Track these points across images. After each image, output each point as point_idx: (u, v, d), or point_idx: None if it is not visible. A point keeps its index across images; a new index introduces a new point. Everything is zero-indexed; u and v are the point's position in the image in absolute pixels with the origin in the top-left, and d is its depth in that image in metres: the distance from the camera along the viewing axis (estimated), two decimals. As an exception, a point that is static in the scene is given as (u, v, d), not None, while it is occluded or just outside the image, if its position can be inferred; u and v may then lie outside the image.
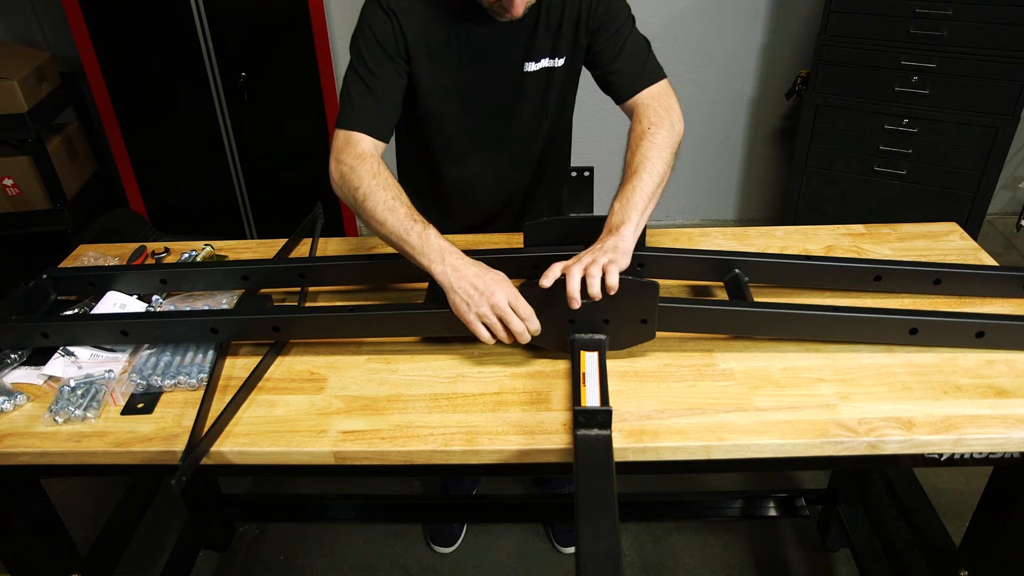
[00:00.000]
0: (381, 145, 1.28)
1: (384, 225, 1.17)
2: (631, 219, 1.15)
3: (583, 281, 1.05)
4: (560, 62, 1.38)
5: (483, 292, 1.09)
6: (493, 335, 1.11)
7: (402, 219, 1.16)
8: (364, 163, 1.22)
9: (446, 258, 1.12)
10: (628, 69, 1.36)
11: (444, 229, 1.20)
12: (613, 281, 1.05)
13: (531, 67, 1.36)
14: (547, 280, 1.08)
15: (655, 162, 1.22)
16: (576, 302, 1.06)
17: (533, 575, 1.91)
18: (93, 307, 1.30)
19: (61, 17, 2.71)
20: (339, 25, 3.04)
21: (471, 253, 1.29)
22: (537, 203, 1.62)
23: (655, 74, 1.37)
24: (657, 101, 1.34)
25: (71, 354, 1.19)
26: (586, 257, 1.09)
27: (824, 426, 1.00)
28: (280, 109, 2.91)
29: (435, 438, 1.02)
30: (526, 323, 1.09)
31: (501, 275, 1.12)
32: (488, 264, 1.25)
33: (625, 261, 1.11)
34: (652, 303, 1.08)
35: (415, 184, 1.57)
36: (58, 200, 2.86)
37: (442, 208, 1.57)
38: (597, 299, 1.06)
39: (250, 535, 2.06)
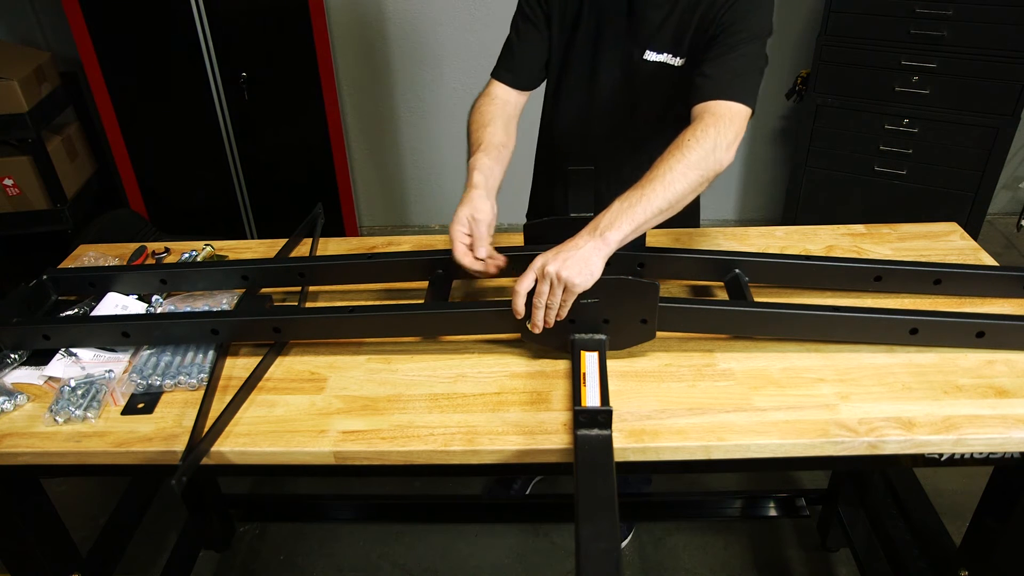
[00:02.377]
0: (512, 91, 1.40)
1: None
2: (621, 227, 1.07)
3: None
4: (679, 62, 1.34)
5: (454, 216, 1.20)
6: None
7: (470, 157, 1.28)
8: (479, 104, 1.38)
9: (469, 179, 1.24)
10: (715, 75, 1.22)
11: None
12: (562, 313, 1.08)
13: (651, 56, 1.35)
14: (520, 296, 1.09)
15: (677, 178, 1.10)
16: (519, 314, 1.09)
17: (533, 575, 1.92)
18: (93, 307, 1.30)
19: (61, 17, 2.71)
20: (339, 25, 3.04)
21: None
22: None
23: (738, 95, 1.20)
24: (718, 119, 1.17)
25: (73, 354, 1.19)
26: (548, 267, 1.04)
27: (824, 426, 1.00)
28: (280, 109, 2.91)
29: (435, 438, 1.02)
30: (474, 251, 1.18)
31: (470, 210, 1.19)
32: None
33: (588, 274, 1.04)
34: (652, 303, 1.08)
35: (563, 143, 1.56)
36: (58, 200, 2.86)
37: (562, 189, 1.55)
38: (537, 331, 1.11)
39: (250, 535, 2.05)
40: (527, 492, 2.14)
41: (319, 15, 2.72)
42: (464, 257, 1.18)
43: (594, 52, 1.39)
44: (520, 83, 1.40)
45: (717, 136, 1.14)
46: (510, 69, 1.40)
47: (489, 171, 1.24)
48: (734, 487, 2.05)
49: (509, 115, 1.38)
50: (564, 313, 1.08)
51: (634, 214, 1.08)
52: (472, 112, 1.37)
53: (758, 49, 1.25)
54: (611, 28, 1.36)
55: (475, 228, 1.18)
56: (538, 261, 1.06)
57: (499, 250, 1.28)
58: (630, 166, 1.41)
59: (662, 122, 1.41)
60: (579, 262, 1.04)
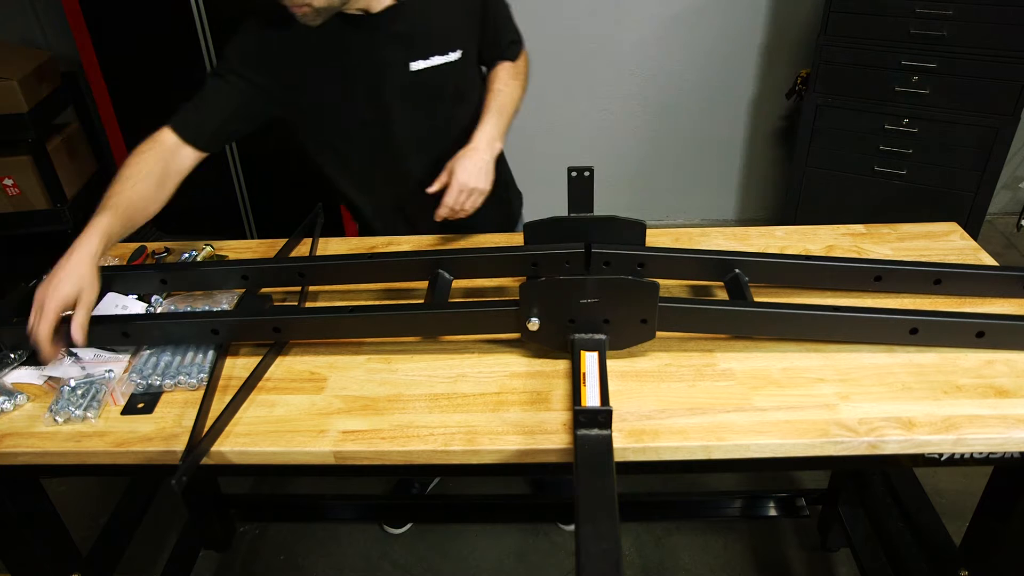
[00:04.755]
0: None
1: None
2: (500, 135, 1.43)
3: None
4: (455, 55, 1.45)
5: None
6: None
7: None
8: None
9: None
10: (509, 38, 1.55)
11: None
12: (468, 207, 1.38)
13: (419, 65, 1.41)
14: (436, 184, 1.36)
15: (511, 86, 1.51)
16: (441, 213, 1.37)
17: (533, 575, 1.91)
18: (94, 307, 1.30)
19: (61, 17, 2.71)
20: (339, 25, 3.04)
21: (470, 252, 1.30)
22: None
23: (521, 44, 1.58)
24: (519, 64, 1.58)
25: (74, 354, 1.19)
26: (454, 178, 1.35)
27: (824, 426, 1.00)
28: (280, 109, 2.91)
29: (435, 438, 1.02)
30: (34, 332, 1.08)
31: (64, 277, 1.10)
32: (487, 263, 1.29)
33: (479, 160, 1.37)
34: (652, 303, 1.08)
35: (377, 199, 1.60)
36: (58, 200, 2.86)
37: (404, 217, 1.60)
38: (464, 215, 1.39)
39: (250, 535, 2.06)
40: (426, 492, 2.15)
41: (319, 15, 2.71)
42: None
43: (364, 89, 1.41)
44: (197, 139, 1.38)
45: (523, 70, 1.58)
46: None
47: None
48: (734, 487, 2.05)
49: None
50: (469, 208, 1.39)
51: (502, 123, 1.45)
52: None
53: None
54: (367, 59, 1.39)
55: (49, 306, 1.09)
56: (460, 176, 1.36)
57: (499, 250, 1.29)
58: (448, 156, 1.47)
59: (462, 106, 1.51)
60: (482, 173, 1.38)
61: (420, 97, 1.44)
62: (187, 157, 1.35)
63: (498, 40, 1.53)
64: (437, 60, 1.41)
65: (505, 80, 1.52)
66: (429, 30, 1.40)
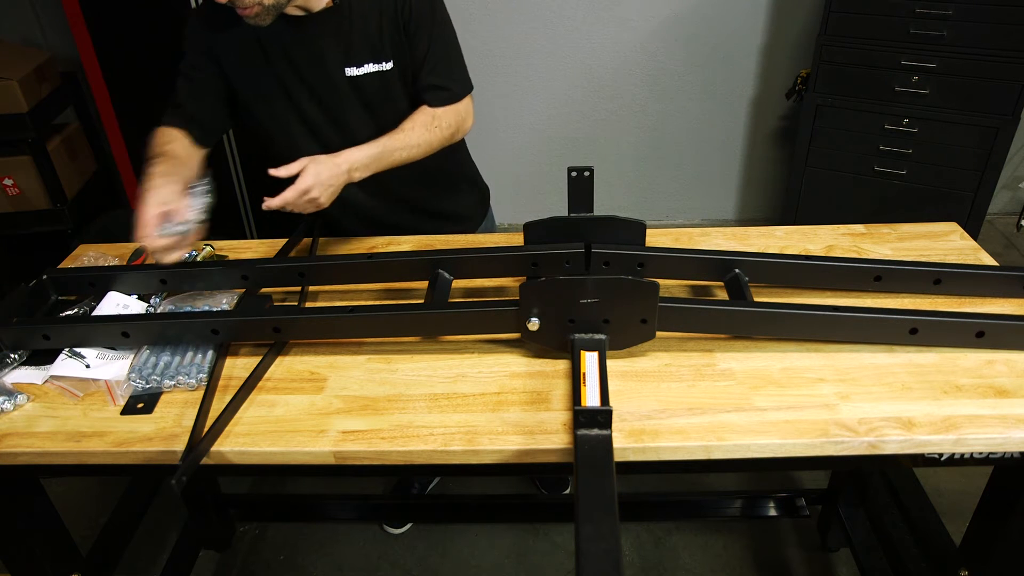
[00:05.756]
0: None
1: None
2: (365, 170, 1.37)
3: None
4: (388, 66, 1.42)
5: None
6: None
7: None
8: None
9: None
10: (433, 82, 1.45)
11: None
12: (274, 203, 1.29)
13: (353, 72, 1.40)
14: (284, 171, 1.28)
15: (415, 133, 1.42)
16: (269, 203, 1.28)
17: (533, 575, 1.92)
18: (94, 307, 1.30)
19: (61, 17, 2.71)
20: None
21: (470, 252, 1.29)
22: (422, 210, 1.64)
23: (455, 96, 1.47)
24: (449, 112, 1.47)
25: (78, 355, 1.19)
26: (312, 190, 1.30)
27: (824, 426, 1.00)
28: (280, 109, 2.91)
29: (435, 438, 1.02)
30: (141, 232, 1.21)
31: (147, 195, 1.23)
32: (487, 263, 1.29)
33: (335, 176, 1.32)
34: (652, 303, 1.08)
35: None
36: (58, 200, 2.86)
37: (326, 218, 1.57)
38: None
39: (250, 535, 2.06)
40: (426, 492, 2.16)
41: (319, 15, 2.71)
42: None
43: (294, 80, 1.41)
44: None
45: (447, 124, 1.46)
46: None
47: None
48: (734, 487, 2.06)
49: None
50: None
51: (377, 161, 1.38)
52: None
53: (445, 27, 1.44)
54: (302, 59, 1.39)
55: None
56: (309, 179, 1.29)
57: (499, 250, 1.30)
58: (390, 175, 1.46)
59: (379, 114, 1.47)
60: (331, 189, 1.32)
61: (355, 101, 1.44)
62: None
63: (421, 75, 1.44)
64: (371, 68, 1.41)
65: (413, 126, 1.42)
66: (363, 36, 1.39)
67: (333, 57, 1.40)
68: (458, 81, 1.47)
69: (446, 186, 1.66)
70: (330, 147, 1.41)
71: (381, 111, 1.46)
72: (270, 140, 1.51)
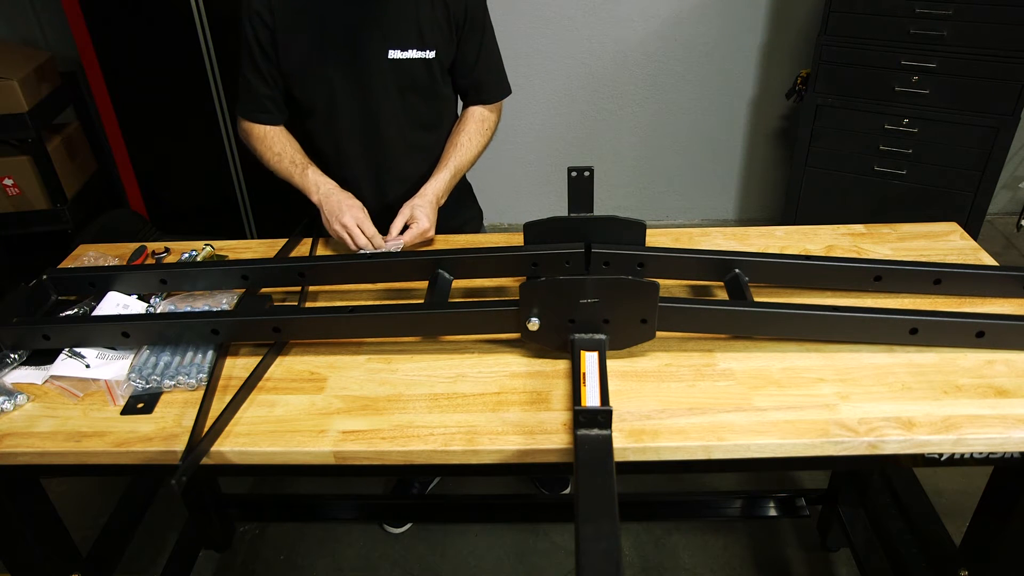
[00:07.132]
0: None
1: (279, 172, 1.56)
2: (437, 175, 1.53)
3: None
4: (431, 55, 1.49)
5: (336, 213, 1.44)
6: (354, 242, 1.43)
7: (287, 164, 1.54)
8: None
9: (320, 188, 1.49)
10: (484, 81, 1.59)
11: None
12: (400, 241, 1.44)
13: (396, 55, 1.46)
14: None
15: (474, 143, 1.58)
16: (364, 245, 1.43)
17: (533, 575, 1.92)
18: (94, 307, 1.30)
19: (61, 17, 2.71)
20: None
21: (470, 252, 1.29)
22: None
23: (504, 91, 1.63)
24: (493, 113, 1.64)
25: (78, 355, 1.19)
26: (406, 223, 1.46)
27: (824, 426, 1.00)
28: (280, 109, 2.91)
29: (435, 438, 1.02)
30: (371, 240, 1.42)
31: (356, 202, 1.47)
32: (487, 263, 1.29)
33: (433, 211, 1.49)
34: (652, 303, 1.08)
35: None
36: (58, 200, 2.86)
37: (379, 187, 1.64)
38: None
39: (250, 535, 2.06)
40: (426, 492, 2.16)
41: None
42: (366, 244, 1.42)
43: (336, 55, 1.47)
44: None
45: (492, 126, 1.64)
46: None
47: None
48: (734, 487, 2.06)
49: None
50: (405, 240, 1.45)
51: (452, 182, 1.56)
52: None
53: (492, 35, 1.58)
54: (347, 35, 1.45)
55: (364, 226, 1.44)
56: (425, 222, 1.46)
57: (499, 250, 1.31)
58: (409, 162, 1.60)
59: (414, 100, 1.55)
60: (434, 223, 1.49)
61: (391, 84, 1.50)
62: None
63: (476, 72, 1.57)
64: (414, 54, 1.47)
65: (471, 135, 1.58)
66: (413, 22, 1.45)
67: (378, 37, 1.44)
68: (505, 80, 1.62)
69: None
70: (352, 129, 1.54)
71: (411, 99, 1.52)
72: (311, 111, 1.56)
